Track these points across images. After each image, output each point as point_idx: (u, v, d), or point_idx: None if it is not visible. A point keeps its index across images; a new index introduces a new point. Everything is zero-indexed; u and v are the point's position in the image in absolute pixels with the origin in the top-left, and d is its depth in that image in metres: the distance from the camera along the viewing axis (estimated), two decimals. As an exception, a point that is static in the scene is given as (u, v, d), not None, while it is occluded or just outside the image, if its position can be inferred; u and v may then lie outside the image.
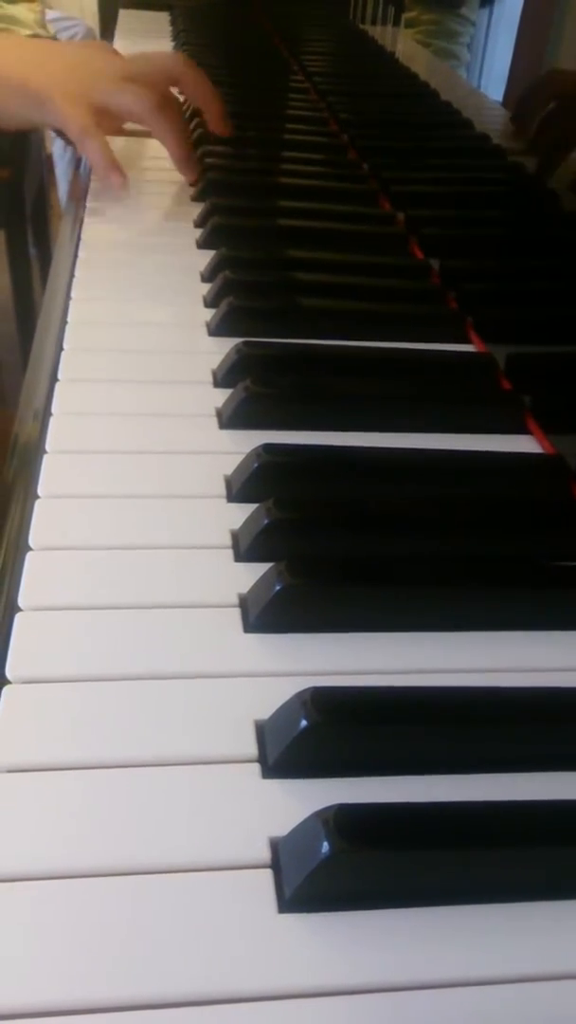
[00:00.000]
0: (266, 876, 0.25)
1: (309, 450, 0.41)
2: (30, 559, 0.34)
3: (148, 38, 1.21)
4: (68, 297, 0.54)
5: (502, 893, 0.25)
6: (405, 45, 1.22)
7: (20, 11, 1.90)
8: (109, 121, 0.64)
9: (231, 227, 0.62)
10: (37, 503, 0.37)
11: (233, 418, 0.43)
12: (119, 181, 0.60)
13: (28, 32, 1.92)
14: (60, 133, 0.65)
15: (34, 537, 0.35)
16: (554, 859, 0.26)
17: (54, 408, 0.43)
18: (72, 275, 0.56)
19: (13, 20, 1.88)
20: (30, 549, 0.35)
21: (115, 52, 0.70)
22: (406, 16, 1.28)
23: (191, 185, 0.68)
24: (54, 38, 1.98)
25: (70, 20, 2.20)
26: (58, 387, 0.45)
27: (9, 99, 0.60)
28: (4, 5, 1.86)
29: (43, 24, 1.99)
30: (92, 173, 0.61)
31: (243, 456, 0.40)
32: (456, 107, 0.91)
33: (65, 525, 0.36)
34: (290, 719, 0.28)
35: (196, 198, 0.68)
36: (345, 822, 0.24)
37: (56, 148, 1.84)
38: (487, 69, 1.19)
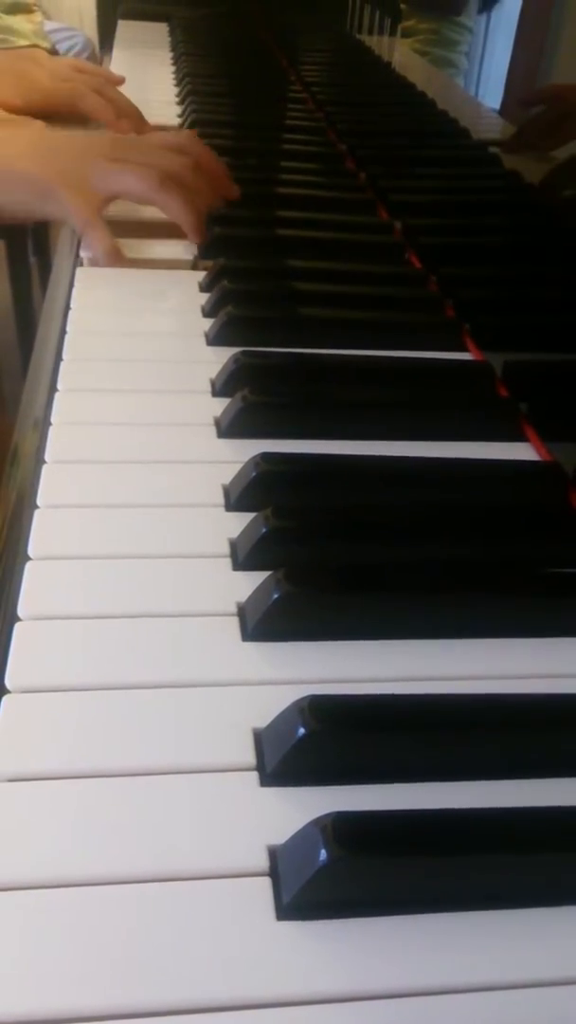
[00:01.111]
0: (264, 884, 0.25)
1: (307, 459, 0.41)
2: (29, 569, 0.34)
3: (147, 49, 1.22)
4: (67, 307, 0.54)
5: (500, 900, 0.25)
6: (402, 54, 1.22)
7: (18, 22, 1.91)
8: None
9: (230, 237, 0.62)
10: (36, 513, 0.37)
11: (231, 427, 0.43)
12: (118, 265, 0.61)
13: (26, 43, 1.93)
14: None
15: (33, 547, 0.35)
16: (552, 865, 0.26)
17: (53, 418, 0.44)
18: (72, 285, 0.56)
19: (11, 31, 1.89)
20: (29, 559, 0.35)
21: (119, 138, 0.69)
22: (404, 25, 1.29)
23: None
24: (53, 49, 1.99)
25: (69, 31, 2.21)
26: (57, 397, 0.45)
27: (15, 191, 0.61)
28: (3, 16, 1.87)
29: (42, 35, 2.00)
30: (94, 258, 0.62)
31: (241, 465, 0.40)
32: (453, 116, 0.91)
33: (64, 535, 0.36)
34: (288, 727, 0.28)
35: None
36: (343, 829, 0.25)
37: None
38: (484, 77, 1.19)
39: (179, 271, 0.61)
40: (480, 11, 1.22)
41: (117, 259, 0.59)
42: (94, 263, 0.60)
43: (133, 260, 0.61)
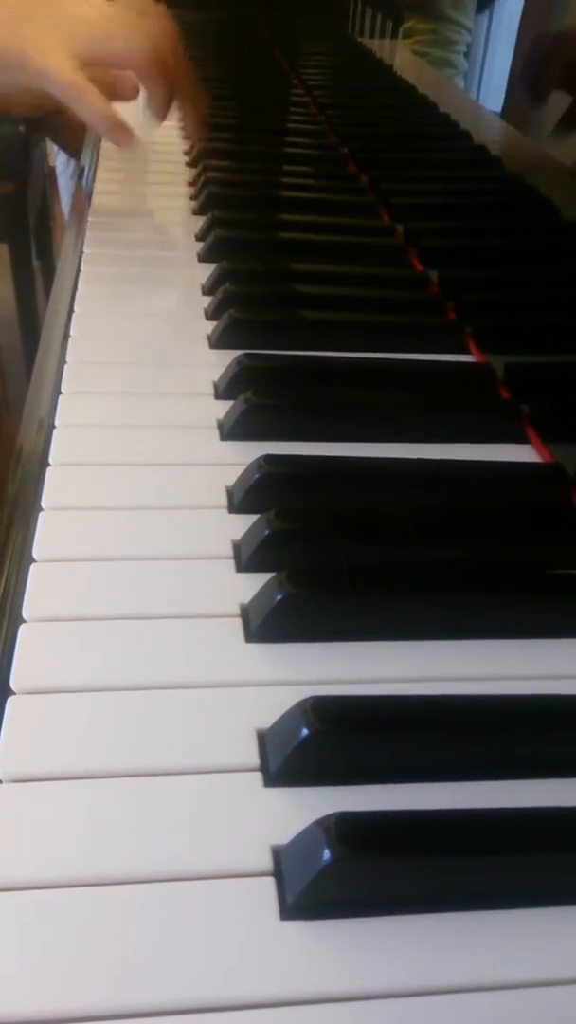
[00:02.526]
0: (268, 884, 0.25)
1: (310, 461, 0.42)
2: (34, 571, 0.35)
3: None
4: (71, 310, 0.54)
5: (504, 899, 0.25)
6: (403, 57, 1.23)
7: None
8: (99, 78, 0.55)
9: (232, 240, 0.62)
10: (40, 515, 0.37)
11: (234, 429, 0.44)
12: (127, 138, 0.52)
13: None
14: (60, 145, 0.58)
15: (38, 549, 0.36)
16: (556, 865, 0.26)
17: (57, 420, 0.44)
18: (75, 288, 0.57)
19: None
20: (34, 561, 0.35)
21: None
22: (403, 26, 1.29)
23: (201, 140, 0.62)
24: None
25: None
26: (61, 400, 0.45)
27: None
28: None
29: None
30: (96, 132, 0.54)
31: (244, 467, 0.40)
32: (455, 119, 0.92)
33: (68, 537, 0.36)
34: (291, 728, 0.28)
35: (197, 211, 0.69)
36: (346, 830, 0.25)
37: (59, 162, 1.86)
38: (486, 80, 1.20)
39: (181, 278, 0.61)
40: (479, 11, 1.22)
41: (120, 128, 0.51)
42: (91, 264, 0.57)
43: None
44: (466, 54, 1.30)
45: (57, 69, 0.50)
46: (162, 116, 0.56)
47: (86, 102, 0.50)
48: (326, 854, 0.24)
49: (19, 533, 0.37)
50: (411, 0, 1.26)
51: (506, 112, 0.92)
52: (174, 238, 0.65)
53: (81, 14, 0.52)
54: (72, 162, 1.75)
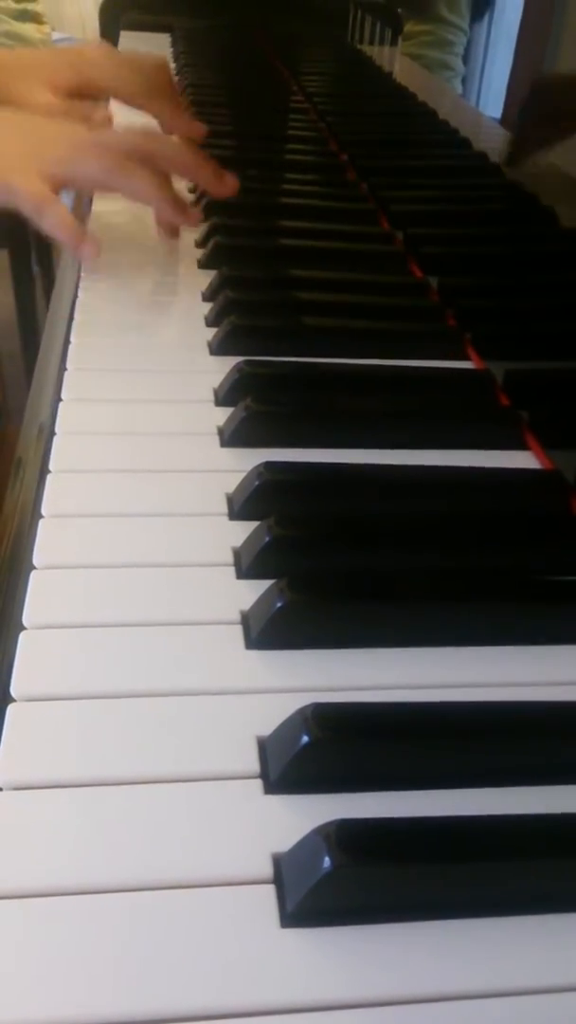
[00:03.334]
0: (268, 891, 0.25)
1: (310, 468, 0.42)
2: (34, 578, 0.35)
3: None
4: (71, 317, 0.54)
5: (503, 907, 0.25)
6: (403, 65, 1.23)
7: (28, 30, 1.93)
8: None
9: (232, 247, 0.62)
10: (41, 522, 0.37)
11: (234, 436, 0.44)
12: (90, 251, 0.53)
13: (34, 51, 1.93)
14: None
15: (38, 556, 0.36)
16: (554, 872, 0.26)
17: (57, 427, 0.44)
18: (75, 295, 0.57)
19: (20, 38, 1.91)
20: (34, 568, 0.35)
21: (75, 124, 0.61)
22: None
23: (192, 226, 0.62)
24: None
25: (72, 41, 2.23)
26: (62, 407, 0.46)
27: None
28: (12, 23, 1.89)
29: (50, 44, 2.01)
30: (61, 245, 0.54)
31: (244, 474, 0.40)
32: (454, 126, 0.92)
33: (68, 544, 0.37)
34: (292, 735, 0.28)
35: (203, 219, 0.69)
36: (346, 837, 0.25)
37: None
38: (485, 87, 1.20)
39: (182, 285, 0.61)
40: (476, 18, 1.23)
41: (85, 243, 0.52)
42: (91, 267, 0.57)
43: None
44: (464, 58, 1.30)
45: (26, 188, 0.52)
46: (166, 221, 0.57)
47: (52, 219, 0.52)
48: (326, 862, 0.24)
49: (19, 540, 0.37)
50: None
51: (505, 119, 0.92)
52: (174, 245, 0.65)
53: (54, 136, 0.55)
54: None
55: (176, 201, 0.56)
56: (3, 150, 0.53)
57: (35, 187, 0.52)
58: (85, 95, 0.73)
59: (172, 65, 1.20)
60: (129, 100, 0.73)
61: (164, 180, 0.55)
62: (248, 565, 0.36)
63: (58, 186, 0.53)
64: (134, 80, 0.72)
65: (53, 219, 0.52)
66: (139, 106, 0.73)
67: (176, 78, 1.08)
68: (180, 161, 0.58)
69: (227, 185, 0.60)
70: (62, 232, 0.52)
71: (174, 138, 0.63)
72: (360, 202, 0.74)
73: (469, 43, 1.25)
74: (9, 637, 0.32)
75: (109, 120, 0.70)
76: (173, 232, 0.61)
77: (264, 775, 0.28)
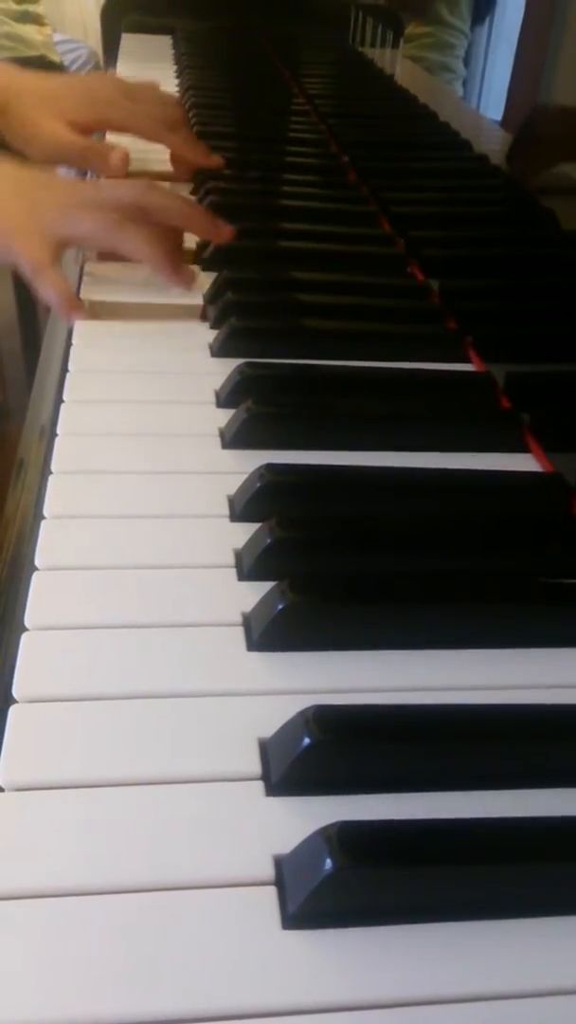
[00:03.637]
0: (270, 893, 0.25)
1: (311, 469, 0.42)
2: (36, 579, 0.35)
3: (151, 62, 1.23)
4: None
5: (505, 909, 0.25)
6: (404, 67, 1.23)
7: (29, 32, 1.93)
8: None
9: (233, 249, 0.62)
10: (43, 523, 0.38)
11: (236, 438, 0.44)
12: (82, 316, 0.55)
13: (35, 53, 1.94)
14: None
15: (40, 557, 0.36)
16: (556, 875, 0.26)
17: (59, 428, 0.44)
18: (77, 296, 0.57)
19: (21, 40, 1.91)
20: (36, 569, 0.35)
21: (72, 181, 0.64)
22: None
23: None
24: (61, 63, 2.00)
25: (74, 43, 2.23)
26: (63, 408, 0.46)
27: None
28: (13, 24, 1.89)
29: (51, 47, 2.02)
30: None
31: (246, 476, 0.40)
32: (455, 128, 0.92)
33: (70, 545, 0.37)
34: (293, 737, 0.28)
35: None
36: (348, 839, 0.25)
37: (61, 169, 1.86)
38: (486, 89, 1.20)
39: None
40: (477, 21, 1.23)
41: (74, 308, 0.55)
42: (93, 270, 0.58)
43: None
44: (465, 61, 1.31)
45: (27, 251, 0.54)
46: (165, 276, 0.58)
47: (47, 288, 0.54)
48: (328, 863, 0.24)
49: (21, 541, 0.37)
50: (404, 1, 1.27)
51: (506, 122, 0.92)
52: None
53: (53, 196, 0.57)
54: (73, 171, 1.76)
55: (171, 261, 0.58)
56: (6, 209, 0.55)
57: (33, 252, 0.54)
58: (100, 130, 0.74)
59: (174, 67, 1.20)
60: (145, 135, 0.76)
61: (158, 235, 0.57)
62: (249, 567, 0.36)
63: (58, 247, 0.56)
64: (148, 115, 0.75)
65: (46, 287, 0.54)
66: (155, 140, 0.76)
67: (180, 81, 1.09)
68: (175, 212, 0.59)
69: (222, 233, 0.61)
70: (54, 301, 0.55)
71: (167, 188, 0.65)
72: (361, 204, 0.74)
73: (470, 45, 1.25)
74: (11, 638, 0.32)
75: (126, 160, 0.72)
76: (174, 280, 0.62)
77: (265, 777, 0.28)
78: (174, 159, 0.78)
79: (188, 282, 0.59)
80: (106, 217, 0.56)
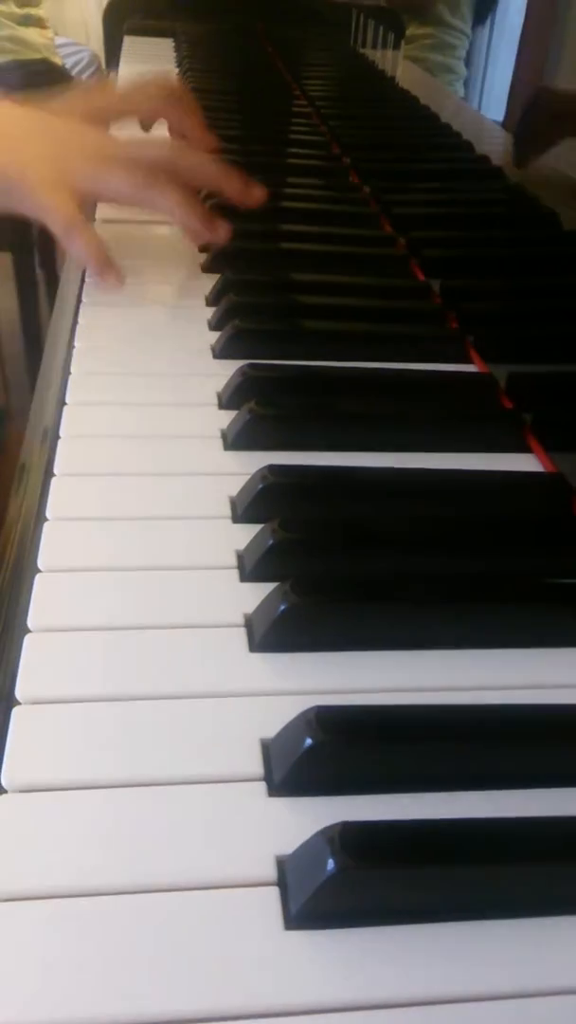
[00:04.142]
0: (272, 893, 0.25)
1: (313, 471, 0.42)
2: (39, 581, 0.35)
3: (152, 64, 1.23)
4: (75, 322, 0.54)
5: (508, 909, 0.25)
6: (405, 68, 1.23)
7: (32, 34, 1.93)
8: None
9: (235, 250, 0.63)
10: (45, 525, 0.38)
11: (238, 439, 0.44)
12: (115, 280, 0.52)
13: (37, 56, 1.94)
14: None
15: (43, 559, 0.36)
16: (561, 875, 0.26)
17: (62, 431, 0.44)
18: (79, 298, 0.57)
19: (23, 43, 1.91)
20: (39, 571, 0.35)
21: (102, 130, 0.61)
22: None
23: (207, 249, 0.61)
24: (63, 66, 2.00)
25: (75, 47, 2.24)
26: (66, 410, 0.46)
27: None
28: (16, 27, 1.89)
29: (53, 50, 2.02)
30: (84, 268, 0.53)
31: (248, 477, 0.40)
32: (456, 129, 0.92)
33: (73, 547, 0.37)
34: (295, 738, 0.28)
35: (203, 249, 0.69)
36: (350, 839, 0.25)
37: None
38: (487, 90, 1.20)
39: (185, 289, 0.61)
40: (478, 22, 1.23)
41: (110, 270, 0.52)
42: (94, 286, 0.56)
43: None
44: (466, 61, 1.31)
45: (55, 204, 0.50)
46: (195, 238, 0.56)
47: (81, 243, 0.51)
48: (330, 864, 0.24)
49: (24, 543, 0.37)
50: (405, 2, 1.27)
51: (508, 122, 0.92)
52: (177, 249, 0.66)
53: (81, 147, 0.53)
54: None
55: (204, 216, 0.55)
56: (29, 157, 0.51)
57: (66, 207, 0.51)
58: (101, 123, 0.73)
59: (175, 70, 1.20)
60: (146, 115, 0.72)
61: (191, 195, 0.54)
62: (251, 568, 0.36)
63: (85, 200, 0.53)
64: (144, 94, 0.72)
65: (82, 244, 0.51)
66: (157, 114, 0.73)
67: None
68: (206, 173, 0.57)
69: (255, 194, 0.59)
70: (90, 259, 0.52)
71: (198, 151, 0.62)
72: (362, 205, 0.74)
73: (471, 46, 1.25)
74: (14, 640, 0.32)
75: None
76: (200, 240, 0.60)
77: (268, 778, 0.28)
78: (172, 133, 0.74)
79: (224, 235, 0.56)
80: (140, 174, 0.52)
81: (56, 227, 0.51)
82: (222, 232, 0.56)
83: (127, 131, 0.72)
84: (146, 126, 0.74)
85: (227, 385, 0.48)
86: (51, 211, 0.51)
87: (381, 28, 1.31)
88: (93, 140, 0.56)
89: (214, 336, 0.53)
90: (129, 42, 1.34)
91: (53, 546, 0.37)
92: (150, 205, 0.54)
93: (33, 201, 0.51)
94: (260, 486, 0.39)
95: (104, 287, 0.52)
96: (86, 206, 0.54)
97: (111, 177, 0.53)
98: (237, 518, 0.39)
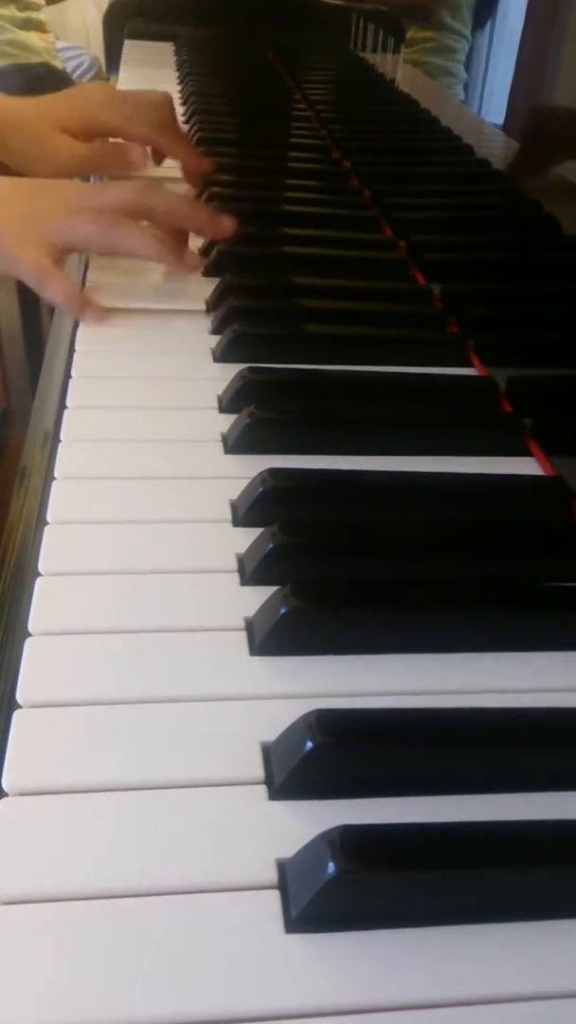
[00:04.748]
0: (273, 897, 0.25)
1: (313, 474, 0.42)
2: (40, 584, 0.35)
3: (153, 68, 1.23)
4: (76, 325, 0.55)
5: (507, 912, 0.25)
6: (405, 72, 1.23)
7: (32, 39, 1.94)
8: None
9: (235, 254, 0.63)
10: (46, 529, 0.38)
11: (238, 443, 0.44)
12: (95, 318, 0.54)
13: (37, 60, 1.94)
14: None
15: (43, 563, 0.36)
16: (560, 878, 0.26)
17: (63, 435, 0.44)
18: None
19: (24, 47, 1.92)
20: (39, 574, 0.35)
21: (70, 184, 0.64)
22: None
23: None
24: (63, 70, 2.00)
25: (76, 50, 2.24)
26: (67, 414, 0.46)
27: None
28: (16, 31, 1.90)
29: (54, 54, 2.02)
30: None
31: (248, 481, 0.40)
32: (456, 133, 0.92)
33: (73, 551, 0.37)
34: (295, 741, 0.28)
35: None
36: (350, 843, 0.25)
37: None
38: (488, 93, 1.20)
39: (185, 293, 0.61)
40: (478, 26, 1.23)
41: (88, 308, 0.54)
42: (96, 277, 0.58)
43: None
44: (466, 65, 1.31)
45: (26, 258, 0.53)
46: (178, 267, 0.58)
47: (54, 289, 0.53)
48: (330, 867, 0.24)
49: (25, 547, 0.37)
50: (407, 7, 1.27)
51: (508, 126, 0.92)
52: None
53: (51, 202, 0.56)
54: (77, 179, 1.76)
55: (173, 251, 0.57)
56: (3, 218, 0.54)
57: (36, 259, 0.53)
58: (95, 137, 0.74)
59: (176, 74, 1.21)
60: (139, 139, 0.75)
61: (157, 233, 0.57)
62: (252, 572, 0.36)
63: (60, 253, 0.55)
64: (142, 119, 0.74)
65: (54, 290, 0.53)
66: (149, 143, 0.76)
67: (180, 84, 1.09)
68: (175, 212, 0.59)
69: (224, 228, 0.61)
70: (65, 302, 0.54)
71: (167, 188, 0.66)
72: (362, 209, 0.74)
73: (471, 49, 1.26)
74: (15, 644, 0.32)
75: (145, 154, 0.73)
76: (180, 267, 0.62)
77: (268, 781, 0.28)
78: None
79: (194, 266, 0.59)
80: (107, 220, 0.55)
81: (29, 280, 0.54)
82: (191, 264, 0.58)
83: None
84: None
85: (227, 389, 0.48)
86: (22, 265, 0.53)
87: (381, 32, 1.31)
88: (62, 194, 0.58)
89: (214, 340, 0.54)
90: (130, 46, 1.34)
91: (54, 550, 0.37)
92: (118, 245, 0.56)
93: (8, 260, 0.53)
94: (260, 490, 0.39)
95: (89, 324, 0.54)
96: (62, 258, 0.56)
97: (80, 228, 0.55)
98: (237, 522, 0.39)
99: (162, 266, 0.63)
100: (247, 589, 0.35)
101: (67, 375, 0.49)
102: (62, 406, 0.47)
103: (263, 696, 0.31)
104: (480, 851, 0.26)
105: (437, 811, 0.28)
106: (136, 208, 0.57)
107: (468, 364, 0.53)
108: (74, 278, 0.61)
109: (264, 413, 0.44)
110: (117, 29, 1.41)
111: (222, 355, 0.52)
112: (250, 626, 0.34)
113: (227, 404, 0.47)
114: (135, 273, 0.62)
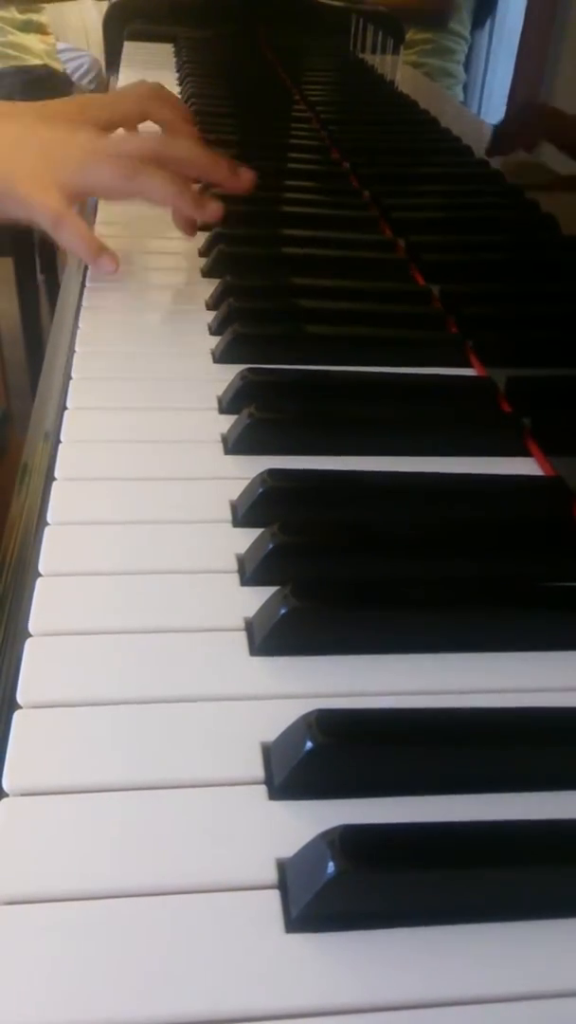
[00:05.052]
0: (273, 896, 0.25)
1: (313, 475, 0.42)
2: (40, 585, 0.35)
3: (153, 69, 1.23)
4: (76, 326, 0.55)
5: (507, 912, 0.25)
6: (405, 73, 1.24)
7: (31, 40, 1.94)
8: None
9: (235, 255, 0.63)
10: (47, 529, 0.38)
11: (238, 444, 0.44)
12: (109, 265, 0.54)
13: (38, 62, 1.95)
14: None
15: (44, 563, 0.36)
16: (560, 877, 0.26)
17: (63, 435, 0.44)
18: (80, 304, 0.57)
19: (23, 48, 1.92)
20: (40, 575, 0.35)
21: (95, 129, 0.61)
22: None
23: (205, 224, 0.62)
24: (64, 72, 2.01)
25: (76, 52, 2.24)
26: (67, 415, 0.46)
27: None
28: (16, 33, 1.90)
29: (54, 56, 2.03)
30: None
31: (248, 481, 0.40)
32: (456, 133, 0.92)
33: (73, 551, 0.37)
34: (296, 741, 0.28)
35: (200, 227, 0.69)
36: (350, 842, 0.25)
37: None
38: (487, 95, 1.20)
39: (185, 293, 0.61)
40: (476, 27, 1.23)
41: (103, 255, 0.53)
42: (96, 278, 0.57)
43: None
44: (465, 66, 1.31)
45: (42, 201, 0.52)
46: (187, 226, 0.58)
47: (70, 234, 0.52)
48: (330, 867, 0.24)
49: (25, 547, 0.37)
50: (419, 14, 1.27)
51: (507, 126, 0.92)
52: (177, 254, 0.66)
53: (69, 146, 0.54)
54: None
55: (194, 199, 0.56)
56: (17, 163, 0.53)
57: (52, 201, 0.52)
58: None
59: (176, 75, 1.21)
60: (132, 118, 0.73)
61: (179, 180, 0.55)
62: (252, 572, 0.36)
63: (75, 197, 0.54)
64: (132, 98, 0.72)
65: (70, 233, 0.52)
66: (143, 116, 0.73)
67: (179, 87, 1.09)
68: (194, 161, 0.58)
69: (243, 179, 0.59)
70: (80, 246, 0.53)
71: (185, 139, 0.64)
72: (362, 210, 0.74)
73: (470, 50, 1.26)
74: (15, 644, 0.33)
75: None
76: (191, 228, 0.61)
77: (268, 781, 0.28)
78: None
79: (215, 214, 0.57)
80: (126, 165, 0.54)
81: (45, 222, 0.52)
82: (213, 211, 0.57)
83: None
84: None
85: (227, 389, 0.48)
86: (38, 208, 0.52)
87: (381, 33, 1.31)
88: (80, 139, 0.56)
89: (214, 340, 0.54)
90: (130, 47, 1.34)
91: (54, 550, 0.37)
92: (138, 193, 0.55)
93: (23, 203, 0.52)
94: (260, 490, 0.39)
95: (101, 272, 0.53)
96: (79, 203, 0.55)
97: (99, 171, 0.54)
98: (237, 522, 0.39)
99: (162, 266, 0.63)
100: (247, 589, 0.35)
101: (67, 376, 0.49)
102: (62, 407, 0.47)
103: (263, 696, 0.31)
104: (480, 851, 0.26)
105: (437, 811, 0.28)
106: (156, 157, 0.56)
107: (467, 364, 0.54)
108: (74, 280, 0.61)
109: (264, 414, 0.44)
110: (117, 30, 1.41)
111: (222, 356, 0.52)
112: (250, 626, 0.34)
113: (227, 405, 0.47)
114: (134, 275, 0.62)
